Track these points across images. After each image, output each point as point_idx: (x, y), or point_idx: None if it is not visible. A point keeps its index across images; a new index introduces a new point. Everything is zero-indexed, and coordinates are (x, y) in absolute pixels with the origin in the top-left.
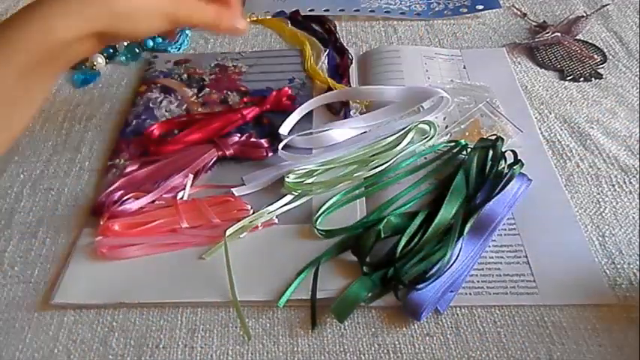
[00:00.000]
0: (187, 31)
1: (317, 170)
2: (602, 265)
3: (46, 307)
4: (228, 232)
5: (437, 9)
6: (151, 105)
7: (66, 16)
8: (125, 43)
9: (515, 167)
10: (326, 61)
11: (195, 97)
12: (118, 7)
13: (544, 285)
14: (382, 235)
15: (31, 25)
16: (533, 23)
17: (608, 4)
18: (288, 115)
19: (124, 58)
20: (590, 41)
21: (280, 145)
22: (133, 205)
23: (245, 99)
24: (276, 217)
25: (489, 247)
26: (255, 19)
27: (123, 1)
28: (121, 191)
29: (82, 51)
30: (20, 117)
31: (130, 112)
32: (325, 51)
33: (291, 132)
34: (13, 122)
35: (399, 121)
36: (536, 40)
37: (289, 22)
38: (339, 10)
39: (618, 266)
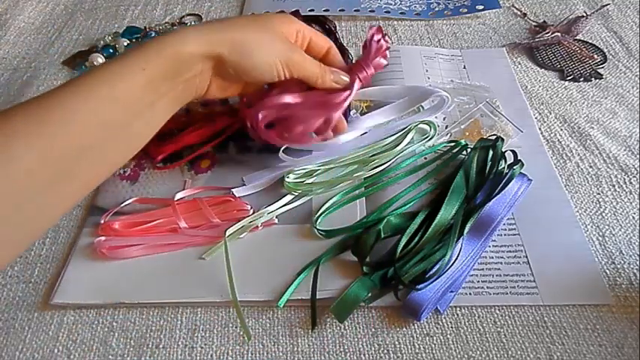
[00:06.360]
0: None
1: (317, 170)
2: (602, 265)
3: (46, 307)
4: (228, 232)
5: (437, 9)
6: None
7: (197, 35)
8: (125, 43)
9: (515, 167)
10: None
11: None
12: (237, 38)
13: (544, 285)
14: (382, 235)
15: (167, 37)
16: (533, 23)
17: (608, 4)
18: None
19: None
20: (590, 41)
21: (281, 151)
22: None
23: (245, 99)
24: (276, 217)
25: (489, 247)
26: None
27: (242, 33)
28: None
29: (201, 74)
30: (139, 133)
31: None
32: None
33: None
34: (132, 137)
35: (399, 121)
36: (536, 40)
37: None
38: (339, 10)
39: (618, 266)
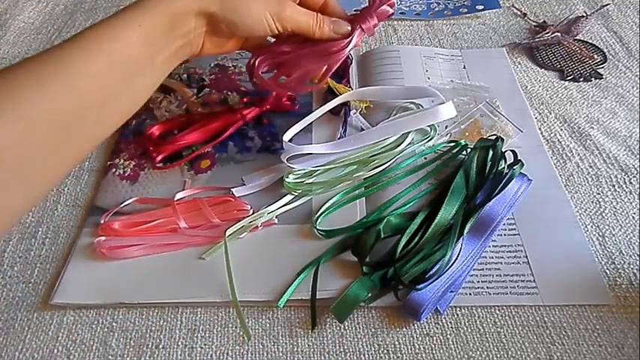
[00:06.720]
0: None
1: (317, 170)
2: (602, 265)
3: (46, 307)
4: (228, 232)
5: (437, 9)
6: (150, 105)
7: None
8: None
9: (515, 167)
10: None
11: (195, 97)
12: None
13: (544, 285)
14: (382, 235)
15: None
16: (533, 23)
17: (608, 4)
18: (288, 115)
19: None
20: (590, 41)
21: (283, 157)
22: None
23: (245, 99)
24: (276, 217)
25: (489, 247)
26: None
27: None
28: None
29: (195, 31)
30: (140, 89)
31: None
32: None
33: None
34: (133, 92)
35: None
36: (536, 40)
37: None
38: None
39: (618, 266)
